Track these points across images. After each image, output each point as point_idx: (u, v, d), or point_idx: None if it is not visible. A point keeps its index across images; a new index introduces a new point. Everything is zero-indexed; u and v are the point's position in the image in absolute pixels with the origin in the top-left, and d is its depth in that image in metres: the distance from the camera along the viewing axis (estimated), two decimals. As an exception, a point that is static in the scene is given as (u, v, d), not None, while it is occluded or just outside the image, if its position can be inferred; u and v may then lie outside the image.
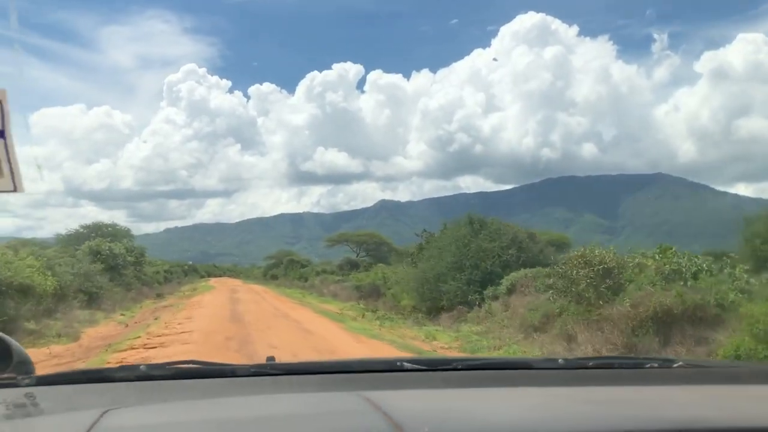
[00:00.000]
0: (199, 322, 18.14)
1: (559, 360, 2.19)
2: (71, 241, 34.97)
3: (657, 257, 13.12)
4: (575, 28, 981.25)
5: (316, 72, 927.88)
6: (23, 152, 1.39)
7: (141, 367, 1.92)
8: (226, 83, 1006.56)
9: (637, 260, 13.27)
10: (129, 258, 35.38)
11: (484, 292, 18.66)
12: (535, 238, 21.07)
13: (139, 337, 14.80)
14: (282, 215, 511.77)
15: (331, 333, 15.28)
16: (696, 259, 12.43)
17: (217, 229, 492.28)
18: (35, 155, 1.66)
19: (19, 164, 1.37)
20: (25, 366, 1.86)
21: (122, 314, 23.28)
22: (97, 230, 38.14)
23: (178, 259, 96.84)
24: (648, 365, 2.15)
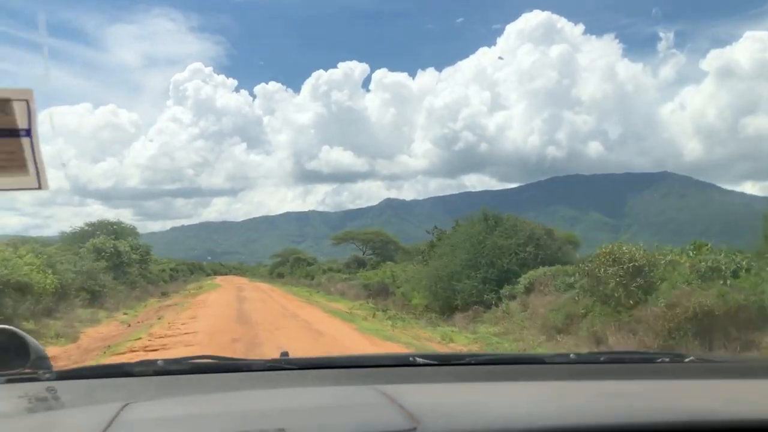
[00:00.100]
0: (204, 322, 17.45)
1: (571, 355, 2.21)
2: (76, 238, 34.41)
3: (691, 254, 12.32)
4: (581, 27, 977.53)
5: (321, 71, 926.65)
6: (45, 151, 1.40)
7: (159, 362, 1.93)
8: (233, 82, 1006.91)
9: (669, 257, 12.47)
10: (134, 256, 34.94)
11: (501, 291, 17.90)
12: (553, 235, 20.26)
13: (141, 338, 14.11)
14: (287, 214, 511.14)
15: (342, 334, 14.55)
16: (734, 257, 11.61)
17: (223, 227, 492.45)
18: (60, 154, 1.69)
19: (44, 163, 1.36)
20: (43, 361, 1.88)
21: (125, 313, 22.65)
22: (101, 228, 37.56)
23: (184, 258, 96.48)
24: (659, 360, 2.16)
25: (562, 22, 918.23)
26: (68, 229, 37.71)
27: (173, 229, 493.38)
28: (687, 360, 2.15)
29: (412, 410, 1.31)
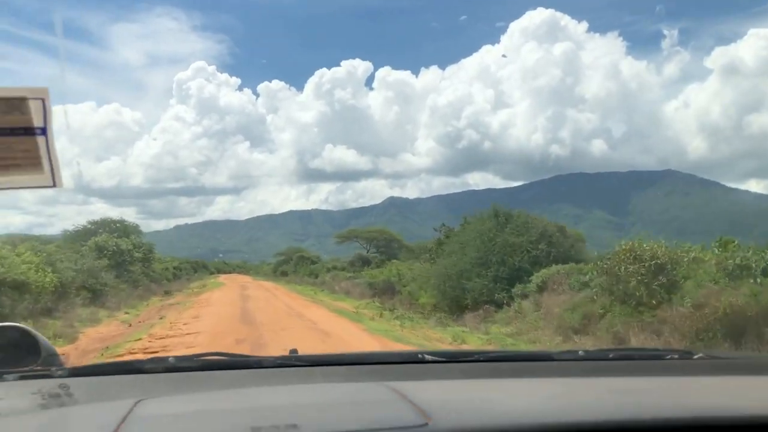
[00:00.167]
0: (207, 322, 16.97)
1: (580, 351, 2.21)
2: (78, 237, 34.08)
3: (716, 251, 11.74)
4: (584, 24, 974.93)
5: (324, 69, 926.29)
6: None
7: (170, 359, 1.95)
8: (236, 81, 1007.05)
9: (692, 255, 11.90)
10: (136, 254, 34.59)
11: (512, 290, 17.37)
12: (565, 232, 19.70)
13: (141, 339, 13.62)
14: (291, 212, 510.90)
15: (350, 335, 14.04)
16: (764, 254, 11.03)
17: (227, 226, 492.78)
18: (68, 152, 1.60)
19: (59, 161, 1.37)
20: (53, 359, 1.89)
21: (127, 312, 22.20)
22: (104, 226, 37.25)
23: (187, 256, 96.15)
24: (668, 356, 2.16)
25: (565, 20, 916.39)
26: (71, 228, 37.48)
27: (177, 227, 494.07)
28: (696, 356, 2.14)
29: (422, 406, 1.30)
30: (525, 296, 16.90)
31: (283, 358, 2.06)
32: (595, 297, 12.77)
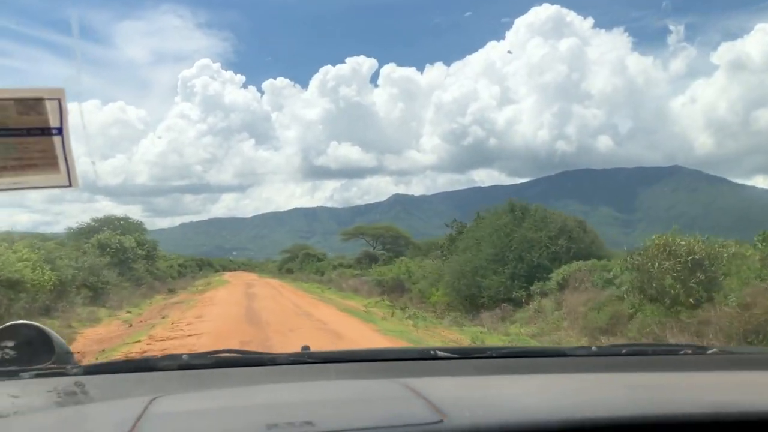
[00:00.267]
0: (211, 322, 16.19)
1: (593, 347, 2.22)
2: (82, 234, 33.69)
3: (759, 245, 10.86)
4: (590, 20, 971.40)
5: (329, 66, 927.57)
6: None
7: (183, 356, 1.94)
8: (240, 78, 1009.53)
9: (732, 249, 11.05)
10: (140, 252, 34.07)
11: (531, 287, 16.53)
12: (585, 227, 18.82)
13: (140, 341, 12.85)
14: (296, 210, 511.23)
15: (363, 336, 13.27)
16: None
17: (232, 223, 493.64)
18: (90, 152, 1.69)
19: (75, 161, 1.38)
20: (67, 357, 1.89)
21: (128, 312, 21.50)
22: (108, 223, 36.99)
23: (193, 254, 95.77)
24: (682, 352, 2.14)
25: (571, 16, 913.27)
26: (75, 225, 36.99)
27: (182, 225, 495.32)
28: (710, 352, 2.14)
29: (437, 403, 1.30)
30: (544, 294, 16.07)
31: (296, 354, 2.05)
32: (625, 295, 11.92)
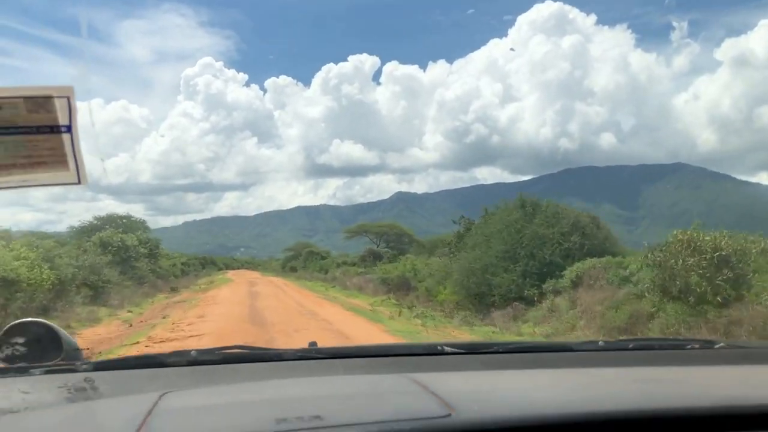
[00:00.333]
0: (213, 322, 15.70)
1: (599, 342, 2.21)
2: (84, 233, 33.38)
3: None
4: (593, 17, 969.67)
5: (332, 64, 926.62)
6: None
7: (192, 352, 1.92)
8: (243, 76, 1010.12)
9: (762, 245, 10.50)
10: (142, 250, 33.68)
11: (543, 285, 16.00)
12: (599, 223, 18.28)
13: (138, 342, 12.38)
14: (299, 208, 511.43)
15: (371, 337, 12.80)
16: None
17: (235, 222, 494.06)
18: (99, 149, 1.69)
19: (84, 158, 1.39)
20: (76, 354, 1.90)
21: (129, 311, 21.07)
22: (110, 222, 36.68)
23: (196, 253, 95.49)
24: (689, 346, 2.13)
25: (574, 13, 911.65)
26: (77, 224, 36.66)
27: (185, 224, 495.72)
28: (718, 346, 2.09)
29: (445, 397, 1.30)
30: (557, 292, 15.55)
31: (303, 350, 2.06)
32: (646, 293, 11.39)
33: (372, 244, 55.20)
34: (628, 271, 14.13)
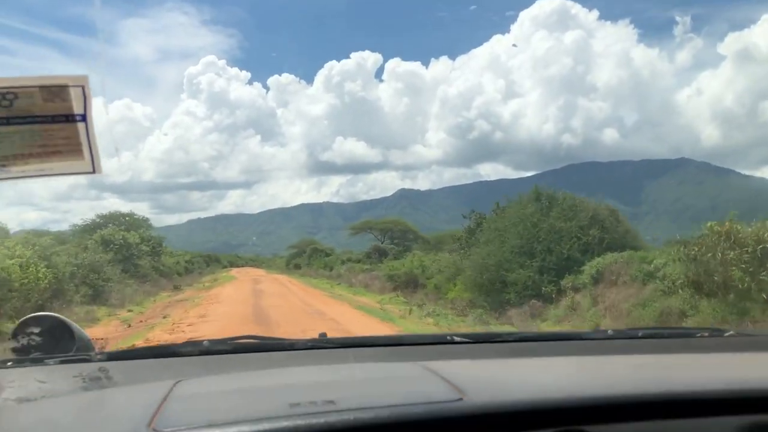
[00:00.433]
0: (215, 322, 14.98)
1: (609, 331, 2.20)
2: (87, 231, 33.00)
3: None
4: (595, 12, 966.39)
5: (334, 61, 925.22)
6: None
7: (204, 342, 1.95)
8: (246, 75, 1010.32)
9: (808, 237, 9.72)
10: (144, 248, 33.10)
11: (562, 282, 15.23)
12: (618, 216, 17.48)
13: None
14: (302, 205, 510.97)
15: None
16: None
17: (239, 219, 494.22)
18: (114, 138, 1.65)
19: (98, 147, 1.40)
20: (88, 346, 1.92)
21: (129, 310, 20.41)
22: (113, 220, 36.38)
23: (200, 250, 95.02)
24: (699, 334, 2.13)
25: (576, 8, 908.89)
26: (80, 222, 36.21)
27: (189, 222, 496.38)
28: (727, 334, 2.09)
29: (456, 383, 1.31)
30: (577, 289, 14.80)
31: (314, 340, 2.05)
32: (680, 289, 10.62)
33: (376, 241, 54.65)
34: (652, 265, 13.37)
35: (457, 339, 2.06)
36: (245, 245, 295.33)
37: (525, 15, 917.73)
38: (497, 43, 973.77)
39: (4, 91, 1.30)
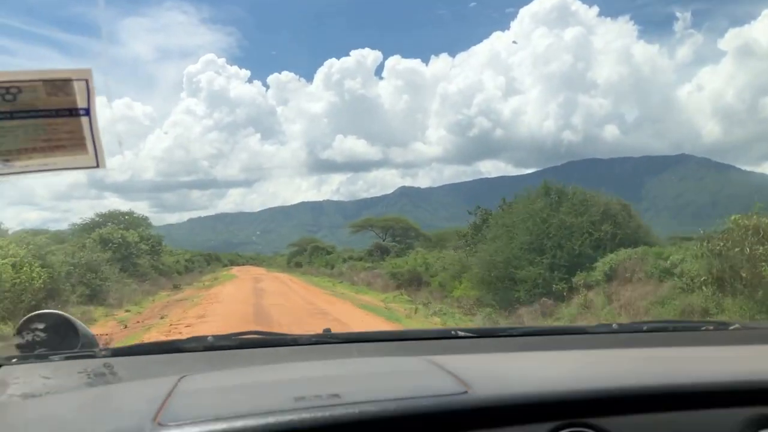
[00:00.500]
0: (214, 323, 14.48)
1: (614, 325, 2.19)
2: (86, 230, 32.61)
3: None
4: (595, 9, 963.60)
5: (334, 59, 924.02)
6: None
7: (208, 338, 1.94)
8: (245, 73, 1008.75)
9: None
10: (143, 246, 32.65)
11: (573, 279, 14.70)
12: (630, 211, 16.95)
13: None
14: (303, 203, 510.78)
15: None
16: None
17: (240, 218, 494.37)
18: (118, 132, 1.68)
19: (102, 142, 1.38)
20: (92, 343, 1.92)
21: (127, 310, 19.96)
22: (112, 218, 36.01)
23: (201, 249, 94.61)
24: (704, 328, 2.13)
25: (576, 5, 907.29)
26: (79, 221, 35.78)
27: (190, 220, 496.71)
28: (732, 327, 2.09)
29: (461, 376, 1.31)
30: (589, 286, 14.26)
31: (318, 335, 2.04)
32: (703, 287, 10.11)
33: (377, 239, 54.31)
34: (669, 262, 12.86)
35: (461, 333, 2.07)
36: (246, 244, 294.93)
37: (525, 12, 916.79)
38: (497, 40, 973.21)
39: (8, 85, 1.27)
